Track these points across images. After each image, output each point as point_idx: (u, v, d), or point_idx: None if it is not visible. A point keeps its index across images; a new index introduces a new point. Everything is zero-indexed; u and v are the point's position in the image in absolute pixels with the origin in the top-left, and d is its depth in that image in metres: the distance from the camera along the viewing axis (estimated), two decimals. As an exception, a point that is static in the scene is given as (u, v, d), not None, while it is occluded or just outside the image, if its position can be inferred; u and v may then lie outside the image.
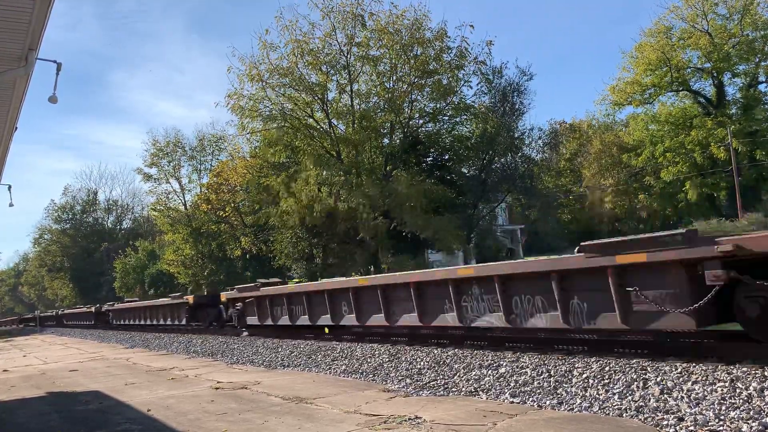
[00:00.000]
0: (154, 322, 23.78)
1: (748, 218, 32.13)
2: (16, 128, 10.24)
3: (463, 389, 7.06)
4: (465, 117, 33.52)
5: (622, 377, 6.13)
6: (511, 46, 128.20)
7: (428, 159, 33.71)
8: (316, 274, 31.58)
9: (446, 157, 34.41)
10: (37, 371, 13.23)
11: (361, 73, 30.65)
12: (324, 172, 29.37)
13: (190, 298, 19.31)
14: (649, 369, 6.17)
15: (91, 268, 73.17)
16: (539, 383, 6.61)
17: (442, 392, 7.11)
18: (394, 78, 29.93)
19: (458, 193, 31.15)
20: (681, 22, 41.86)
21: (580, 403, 5.80)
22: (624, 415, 5.30)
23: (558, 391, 6.25)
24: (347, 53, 29.59)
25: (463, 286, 8.60)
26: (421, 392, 7.23)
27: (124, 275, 60.19)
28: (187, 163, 51.43)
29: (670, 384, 5.64)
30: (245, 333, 16.01)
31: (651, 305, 6.24)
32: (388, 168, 30.66)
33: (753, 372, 5.47)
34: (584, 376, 6.46)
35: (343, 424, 5.65)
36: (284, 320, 13.43)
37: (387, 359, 9.33)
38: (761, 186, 41.37)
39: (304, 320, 12.62)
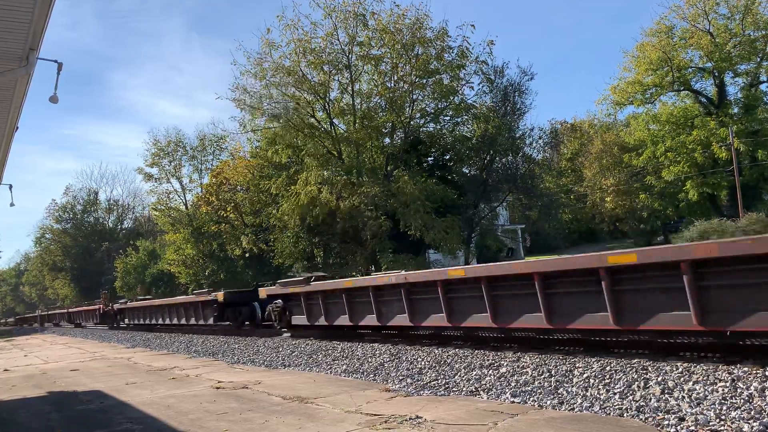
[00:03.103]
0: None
1: (749, 218, 32.08)
2: (17, 128, 10.24)
3: (464, 389, 7.06)
4: (466, 117, 33.50)
5: (623, 377, 6.13)
6: (513, 46, 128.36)
7: (429, 159, 33.70)
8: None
9: (447, 157, 34.40)
10: (38, 371, 13.24)
11: (362, 73, 30.66)
12: (325, 172, 29.37)
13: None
14: (650, 369, 6.17)
15: (92, 268, 73.26)
16: (540, 383, 6.61)
17: (442, 392, 7.11)
18: (396, 77, 29.90)
19: (459, 193, 31.14)
20: (682, 21, 41.89)
21: (581, 402, 5.80)
22: (625, 414, 5.30)
23: (559, 391, 6.25)
24: (349, 53, 29.61)
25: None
26: (421, 392, 7.23)
27: (125, 275, 60.23)
28: (188, 162, 51.49)
29: (671, 384, 5.64)
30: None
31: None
32: (389, 168, 30.66)
33: (754, 372, 5.47)
34: (585, 375, 6.46)
35: (344, 423, 5.65)
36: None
37: (388, 359, 9.34)
38: (762, 186, 41.34)
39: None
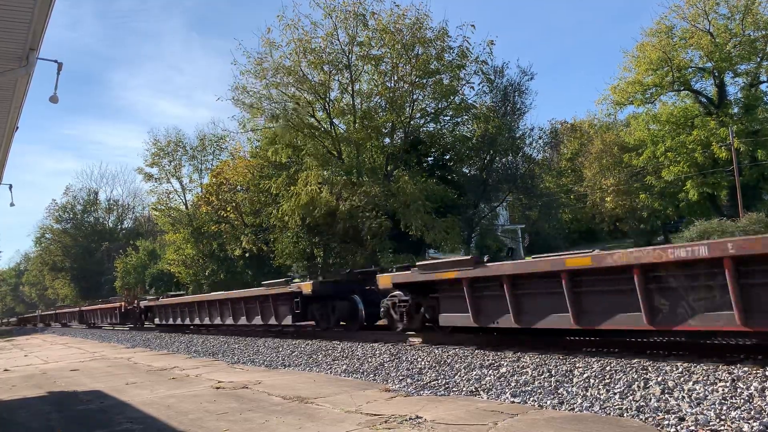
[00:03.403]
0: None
1: (749, 218, 32.08)
2: (17, 128, 10.23)
3: (464, 389, 7.06)
4: (466, 117, 33.52)
5: (623, 377, 6.13)
6: (513, 46, 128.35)
7: (429, 159, 33.73)
8: (316, 274, 31.57)
9: (447, 157, 34.42)
10: (38, 371, 13.24)
11: (362, 73, 30.68)
12: (325, 172, 29.39)
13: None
14: (650, 369, 6.17)
15: (92, 268, 73.28)
16: (540, 383, 6.61)
17: (442, 392, 7.11)
18: (396, 77, 29.91)
19: (459, 193, 31.16)
20: (682, 21, 41.87)
21: (581, 402, 5.80)
22: (625, 414, 5.29)
23: (559, 391, 6.25)
24: (349, 53, 29.62)
25: None
26: (421, 392, 7.23)
27: (125, 275, 60.24)
28: (188, 162, 51.44)
29: (671, 384, 5.64)
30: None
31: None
32: (389, 168, 30.67)
33: (754, 372, 5.47)
34: (585, 375, 6.46)
35: (344, 423, 5.65)
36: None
37: (388, 359, 9.33)
38: (762, 186, 41.32)
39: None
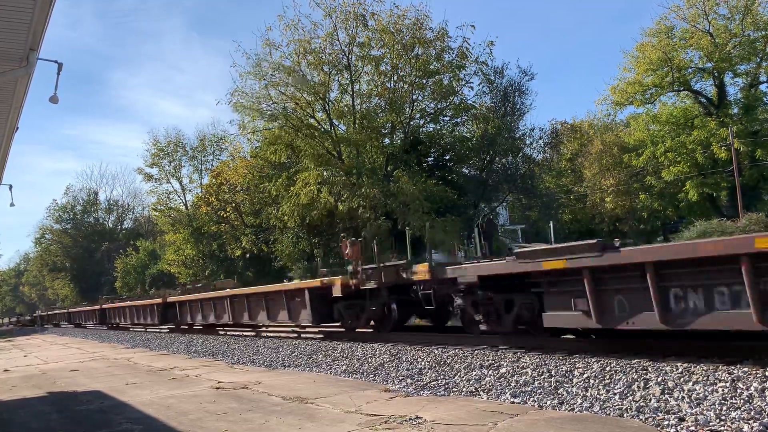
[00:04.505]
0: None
1: (749, 218, 32.06)
2: (17, 128, 10.23)
3: (464, 389, 7.06)
4: (466, 117, 33.51)
5: (623, 377, 6.13)
6: (513, 46, 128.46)
7: (429, 159, 33.71)
8: (316, 274, 31.57)
9: (447, 157, 34.40)
10: (38, 371, 13.24)
11: (362, 73, 30.65)
12: (324, 173, 29.37)
13: None
14: (650, 369, 6.17)
15: (92, 268, 73.28)
16: (540, 383, 6.61)
17: (442, 392, 7.11)
18: (395, 78, 29.90)
19: (459, 193, 31.15)
20: (682, 22, 41.82)
21: (581, 403, 5.80)
22: (625, 415, 5.29)
23: (559, 391, 6.25)
24: (349, 53, 29.60)
25: None
26: (421, 392, 7.23)
27: (125, 275, 60.26)
28: (188, 163, 51.47)
29: (671, 384, 5.64)
30: None
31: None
32: (389, 168, 30.65)
33: (754, 372, 5.47)
34: (585, 376, 6.46)
35: (344, 424, 5.65)
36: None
37: (387, 359, 9.33)
38: (762, 186, 41.31)
39: None
